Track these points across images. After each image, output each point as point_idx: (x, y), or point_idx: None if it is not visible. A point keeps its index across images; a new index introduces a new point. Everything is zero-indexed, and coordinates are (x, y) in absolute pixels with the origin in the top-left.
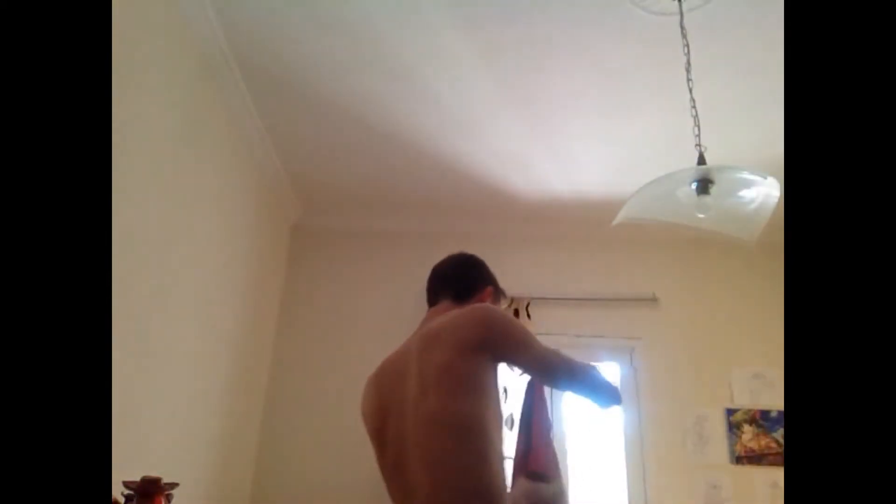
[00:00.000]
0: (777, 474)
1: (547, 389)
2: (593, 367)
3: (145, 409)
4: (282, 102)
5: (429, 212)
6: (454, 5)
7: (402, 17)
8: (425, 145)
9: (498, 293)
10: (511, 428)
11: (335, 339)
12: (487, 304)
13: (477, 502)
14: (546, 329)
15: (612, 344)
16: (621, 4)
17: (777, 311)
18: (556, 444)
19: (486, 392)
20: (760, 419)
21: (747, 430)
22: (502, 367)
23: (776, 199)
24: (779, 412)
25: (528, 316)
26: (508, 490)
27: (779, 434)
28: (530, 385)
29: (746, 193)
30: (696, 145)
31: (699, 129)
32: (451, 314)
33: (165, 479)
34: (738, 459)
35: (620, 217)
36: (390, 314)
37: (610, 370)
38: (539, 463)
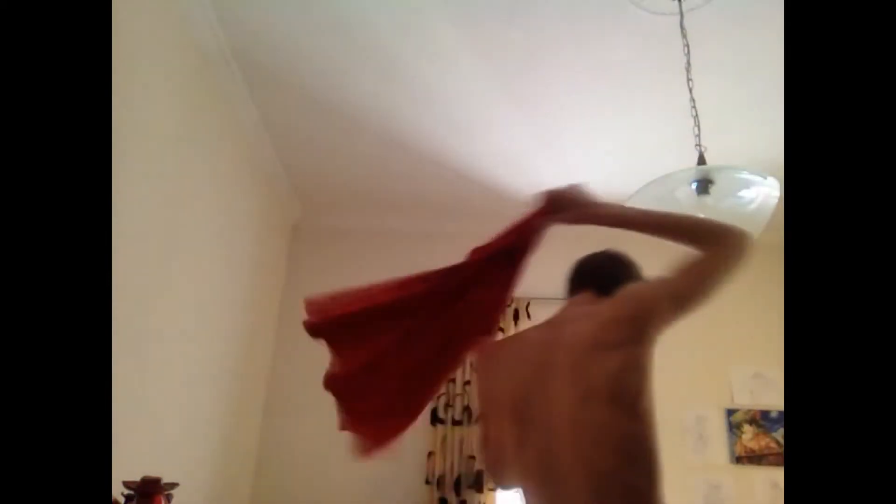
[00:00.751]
0: (777, 474)
1: None
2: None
3: (145, 409)
4: (282, 102)
5: (429, 212)
6: (454, 5)
7: (401, 17)
8: (425, 145)
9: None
10: None
11: None
12: None
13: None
14: None
15: None
16: (621, 4)
17: (777, 311)
18: None
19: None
20: (760, 419)
21: (747, 430)
22: None
23: (776, 200)
24: (779, 412)
25: (528, 316)
26: None
27: (779, 434)
28: None
29: (746, 193)
30: (696, 145)
31: (699, 129)
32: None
33: (165, 479)
34: (738, 459)
35: None
36: None
37: None
38: None
